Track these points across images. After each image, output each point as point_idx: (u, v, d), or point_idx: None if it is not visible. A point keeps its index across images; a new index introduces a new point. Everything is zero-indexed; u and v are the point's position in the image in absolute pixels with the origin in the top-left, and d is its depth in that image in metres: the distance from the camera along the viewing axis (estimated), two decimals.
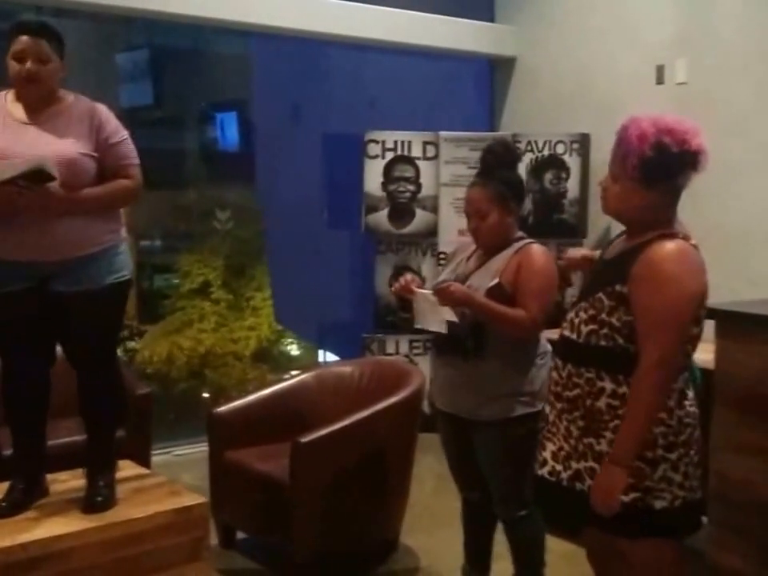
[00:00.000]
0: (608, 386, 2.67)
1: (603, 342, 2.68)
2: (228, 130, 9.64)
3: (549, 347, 3.48)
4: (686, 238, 2.68)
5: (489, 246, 3.50)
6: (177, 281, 11.08)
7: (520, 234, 3.52)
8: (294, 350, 10.94)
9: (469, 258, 3.59)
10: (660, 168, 2.59)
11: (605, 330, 2.67)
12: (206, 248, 10.80)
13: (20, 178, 3.11)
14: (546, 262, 3.41)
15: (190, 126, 10.75)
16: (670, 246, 2.62)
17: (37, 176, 3.13)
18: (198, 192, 11.00)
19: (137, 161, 3.47)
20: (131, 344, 9.06)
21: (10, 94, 3.38)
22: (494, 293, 3.35)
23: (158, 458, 5.57)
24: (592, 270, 2.92)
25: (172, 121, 10.44)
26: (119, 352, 8.61)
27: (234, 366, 9.96)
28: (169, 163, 10.67)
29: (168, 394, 9.23)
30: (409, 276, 3.52)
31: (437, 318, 3.37)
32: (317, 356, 8.29)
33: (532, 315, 3.31)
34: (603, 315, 2.67)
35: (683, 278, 2.60)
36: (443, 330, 3.36)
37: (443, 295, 3.32)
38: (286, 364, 10.23)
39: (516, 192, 3.49)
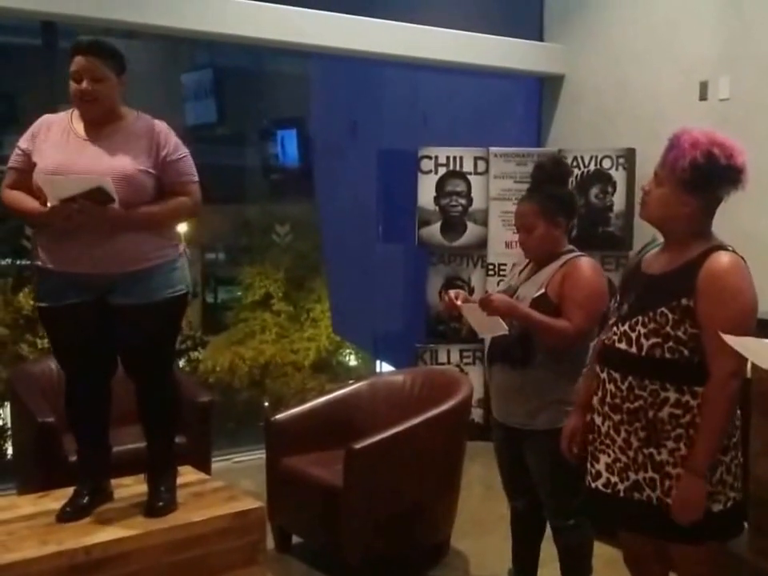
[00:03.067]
0: (672, 395, 2.74)
1: (668, 355, 2.74)
2: (288, 147, 9.75)
3: None
4: (734, 250, 2.78)
5: (537, 258, 3.59)
6: (240, 293, 11.23)
7: (570, 247, 3.59)
8: (351, 360, 11.04)
9: (522, 271, 3.68)
10: (707, 176, 2.70)
11: (670, 343, 2.74)
12: (268, 261, 10.94)
13: (80, 197, 3.19)
14: (593, 274, 3.48)
15: (252, 142, 10.89)
16: (728, 259, 2.72)
17: (96, 195, 3.20)
18: (260, 207, 11.13)
19: (196, 178, 3.52)
20: (194, 354, 9.21)
21: (76, 111, 3.46)
22: (539, 303, 3.43)
23: (219, 464, 5.71)
24: (633, 284, 2.94)
25: (235, 138, 10.60)
26: (183, 362, 8.85)
27: (294, 376, 10.08)
28: (233, 179, 10.83)
29: (230, 402, 9.39)
30: (452, 292, 3.61)
31: (494, 325, 3.44)
32: (374, 366, 8.38)
33: (575, 325, 3.38)
34: (667, 329, 2.73)
35: (745, 289, 2.71)
36: (505, 331, 3.42)
37: (486, 306, 3.41)
38: (344, 374, 10.31)
39: (564, 206, 3.55)
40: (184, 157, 3.50)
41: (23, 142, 3.44)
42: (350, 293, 7.35)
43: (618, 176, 6.09)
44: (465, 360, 6.26)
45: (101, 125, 3.42)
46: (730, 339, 2.39)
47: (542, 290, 3.46)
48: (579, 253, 3.57)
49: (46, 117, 3.50)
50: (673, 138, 2.78)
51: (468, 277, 6.39)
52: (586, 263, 3.50)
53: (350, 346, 10.43)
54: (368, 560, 4.11)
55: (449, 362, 6.32)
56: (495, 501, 3.91)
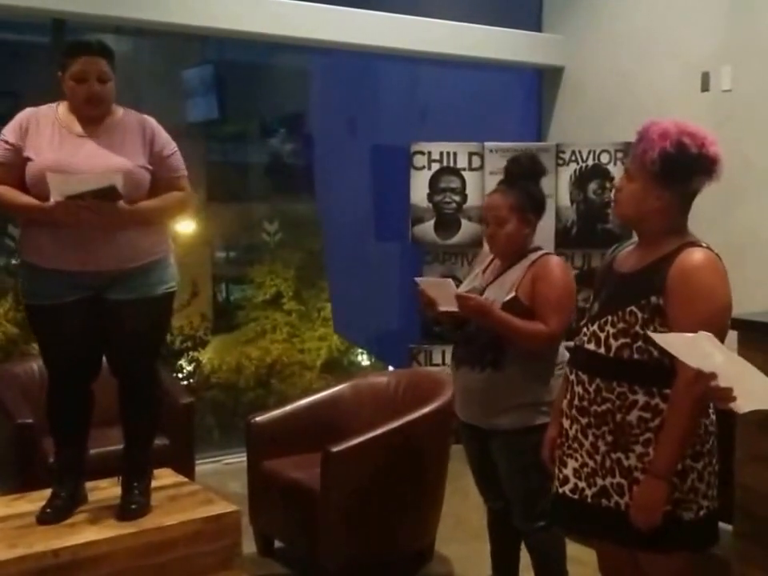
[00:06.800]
0: (641, 398, 2.65)
1: (637, 356, 2.65)
2: (289, 143, 9.76)
3: (567, 356, 3.47)
4: (709, 247, 2.68)
5: (503, 254, 3.51)
6: (251, 292, 11.20)
7: (536, 245, 3.51)
8: (364, 360, 10.96)
9: (485, 270, 3.59)
10: (678, 166, 2.60)
11: (638, 344, 2.65)
12: (278, 259, 10.90)
13: (90, 195, 3.16)
14: (564, 273, 3.40)
15: (254, 139, 10.90)
16: (701, 255, 2.62)
17: (106, 193, 3.18)
18: (269, 204, 11.11)
19: (186, 172, 3.55)
20: (194, 354, 9.16)
21: (62, 106, 3.43)
22: (511, 307, 3.34)
23: (208, 466, 5.70)
24: (605, 283, 2.85)
25: (237, 135, 10.61)
26: (184, 362, 8.81)
27: (302, 376, 10.03)
28: (239, 176, 10.83)
29: (235, 402, 9.35)
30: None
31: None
32: (386, 367, 8.29)
33: (551, 329, 3.30)
34: (636, 328, 2.64)
35: (717, 288, 2.60)
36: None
37: (462, 305, 3.34)
38: (355, 374, 10.24)
39: (536, 205, 3.48)
40: (176, 152, 3.53)
41: (10, 136, 3.37)
42: (347, 291, 7.28)
43: (617, 171, 5.96)
44: None
45: (95, 121, 3.40)
46: (656, 337, 2.32)
47: (513, 293, 3.37)
48: (546, 251, 3.50)
49: (31, 110, 3.44)
50: (641, 131, 2.68)
51: (463, 276, 6.24)
52: (556, 263, 3.42)
53: (362, 346, 10.32)
54: (348, 566, 4.03)
55: (443, 363, 6.23)
56: (484, 505, 3.82)
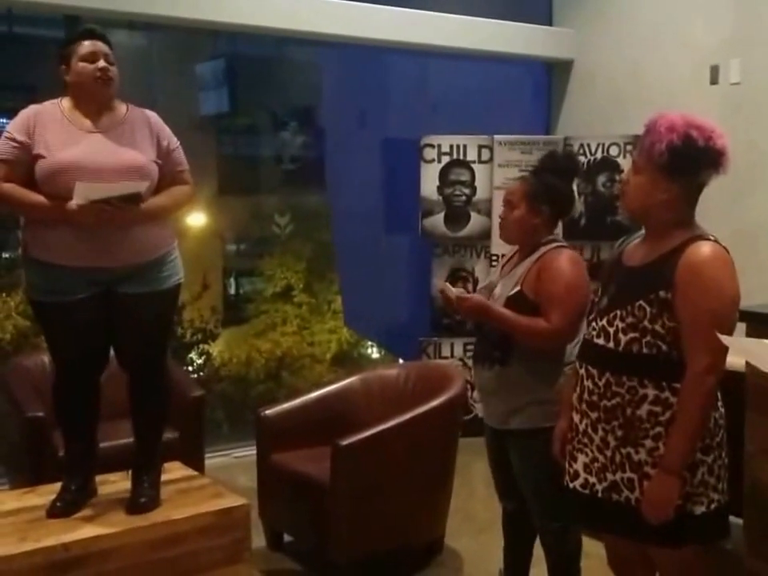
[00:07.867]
0: (651, 392, 2.65)
1: (646, 350, 2.65)
2: (303, 137, 9.76)
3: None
4: (716, 240, 2.67)
5: (511, 240, 3.46)
6: (262, 285, 11.21)
7: (551, 238, 3.40)
8: (373, 352, 10.96)
9: (504, 265, 3.55)
10: (685, 159, 2.59)
11: (647, 338, 2.64)
12: (289, 252, 10.90)
13: (114, 200, 3.17)
14: (570, 267, 3.27)
15: (265, 132, 10.90)
16: (708, 249, 2.61)
17: (129, 199, 3.20)
18: (280, 197, 11.11)
19: (188, 166, 3.56)
20: (205, 346, 9.17)
21: (65, 102, 3.39)
22: (515, 301, 3.28)
23: (218, 459, 5.70)
24: (613, 277, 2.83)
25: (248, 128, 10.62)
26: (194, 354, 8.82)
27: (312, 369, 10.05)
28: (250, 169, 10.83)
29: (245, 395, 9.35)
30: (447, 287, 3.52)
31: None
32: (396, 358, 8.29)
33: (553, 325, 3.20)
34: (645, 323, 2.64)
35: (725, 281, 2.59)
36: None
37: (460, 306, 3.31)
38: (366, 367, 10.24)
39: (554, 198, 3.37)
40: (179, 146, 3.53)
41: (18, 134, 3.31)
42: (357, 284, 7.29)
43: (626, 164, 5.93)
44: (468, 354, 6.06)
45: (99, 115, 3.38)
46: (726, 340, 2.27)
47: (518, 288, 3.30)
48: (559, 244, 3.38)
49: (35, 107, 3.39)
50: (649, 123, 2.67)
51: (472, 268, 6.29)
52: (563, 256, 3.30)
53: (372, 338, 10.34)
54: (357, 560, 4.02)
55: (452, 356, 6.24)
56: (495, 498, 3.80)
